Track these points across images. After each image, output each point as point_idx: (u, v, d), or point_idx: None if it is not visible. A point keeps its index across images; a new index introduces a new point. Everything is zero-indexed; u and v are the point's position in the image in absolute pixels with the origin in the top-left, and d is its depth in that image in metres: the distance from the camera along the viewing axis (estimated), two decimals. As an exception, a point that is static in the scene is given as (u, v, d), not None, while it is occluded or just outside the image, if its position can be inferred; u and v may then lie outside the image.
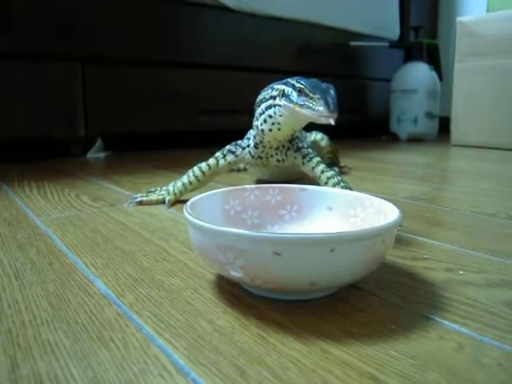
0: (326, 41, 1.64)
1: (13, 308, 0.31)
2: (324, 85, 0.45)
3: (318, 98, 0.43)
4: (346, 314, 0.30)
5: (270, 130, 0.53)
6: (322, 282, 0.29)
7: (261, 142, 0.56)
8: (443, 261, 0.40)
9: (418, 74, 1.68)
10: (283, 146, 0.57)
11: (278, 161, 0.58)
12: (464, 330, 0.28)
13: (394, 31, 1.82)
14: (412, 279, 0.36)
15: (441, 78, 1.73)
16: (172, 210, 0.59)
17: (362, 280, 0.34)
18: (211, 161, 0.60)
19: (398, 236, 0.47)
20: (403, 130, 1.72)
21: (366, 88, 1.85)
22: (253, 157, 0.58)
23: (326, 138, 0.86)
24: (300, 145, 0.58)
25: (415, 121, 1.69)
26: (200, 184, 0.61)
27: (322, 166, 0.56)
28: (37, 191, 0.71)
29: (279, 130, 0.53)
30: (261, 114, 0.54)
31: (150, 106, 1.22)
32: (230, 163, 0.59)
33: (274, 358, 0.25)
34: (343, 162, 0.93)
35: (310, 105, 0.44)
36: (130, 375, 0.23)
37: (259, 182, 0.74)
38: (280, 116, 0.51)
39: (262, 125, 0.54)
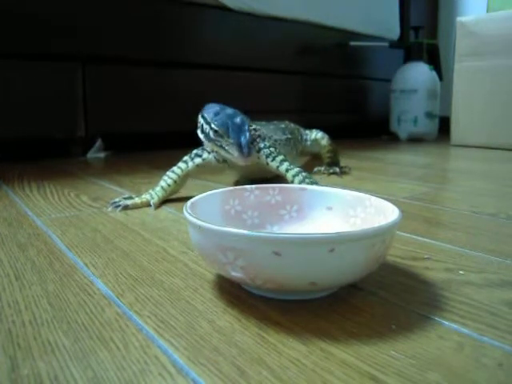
0: (326, 41, 1.64)
1: (13, 308, 0.31)
2: (238, 119, 0.51)
3: (232, 144, 0.49)
4: (345, 314, 0.30)
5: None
6: (321, 282, 0.29)
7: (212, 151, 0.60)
8: (443, 261, 0.40)
9: (418, 74, 1.68)
10: None
11: None
12: (464, 330, 0.28)
13: (394, 31, 1.82)
14: (412, 279, 0.36)
15: (441, 78, 1.73)
16: (172, 209, 0.59)
17: (362, 280, 0.34)
18: (181, 164, 0.62)
19: (398, 236, 0.47)
20: (403, 129, 1.72)
21: (366, 88, 1.85)
22: (218, 161, 0.60)
23: (326, 137, 0.86)
24: (261, 145, 0.60)
25: (415, 121, 1.69)
26: (176, 186, 0.63)
27: (285, 165, 0.57)
28: (37, 191, 0.71)
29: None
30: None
31: (150, 106, 1.22)
32: (197, 165, 0.62)
33: (273, 357, 0.25)
34: (343, 161, 0.93)
35: (227, 147, 0.51)
36: (130, 375, 0.23)
37: (237, 182, 0.75)
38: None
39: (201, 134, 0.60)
